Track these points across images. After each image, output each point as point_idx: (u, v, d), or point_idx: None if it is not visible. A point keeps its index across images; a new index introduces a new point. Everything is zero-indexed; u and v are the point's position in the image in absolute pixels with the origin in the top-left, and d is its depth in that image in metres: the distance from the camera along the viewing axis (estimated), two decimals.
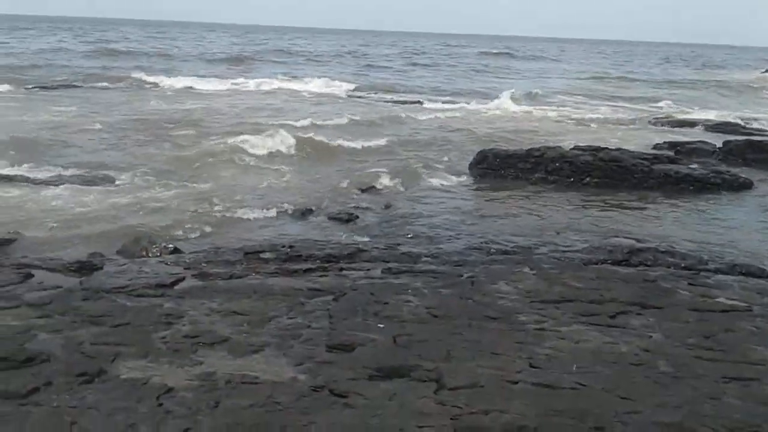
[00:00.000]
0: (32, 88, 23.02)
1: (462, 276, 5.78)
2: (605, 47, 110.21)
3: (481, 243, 7.43)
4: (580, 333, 4.47)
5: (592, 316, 4.81)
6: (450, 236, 7.88)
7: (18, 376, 3.52)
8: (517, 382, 3.68)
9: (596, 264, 6.56)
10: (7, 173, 9.93)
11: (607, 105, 25.33)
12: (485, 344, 4.17)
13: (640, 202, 10.20)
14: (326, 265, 6.15)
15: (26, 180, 9.71)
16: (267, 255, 6.49)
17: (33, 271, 5.48)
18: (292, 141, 13.09)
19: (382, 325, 4.47)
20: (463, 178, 11.48)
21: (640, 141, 15.67)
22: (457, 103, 23.80)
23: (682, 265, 6.66)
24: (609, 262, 6.72)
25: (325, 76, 30.97)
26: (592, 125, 19.04)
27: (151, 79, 26.79)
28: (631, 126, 19.41)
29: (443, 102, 24.12)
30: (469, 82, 34.52)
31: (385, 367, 3.84)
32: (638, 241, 7.68)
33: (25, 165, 10.61)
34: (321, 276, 5.76)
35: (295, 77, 30.42)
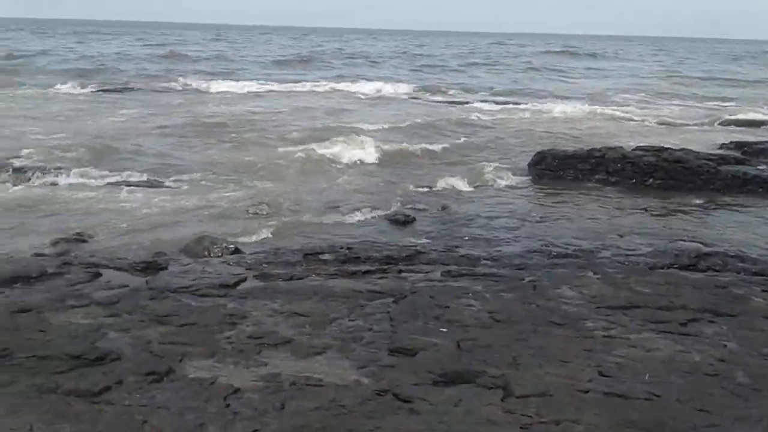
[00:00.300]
0: (97, 90, 23.83)
1: (523, 280, 5.68)
2: (657, 45, 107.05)
3: (542, 246, 7.29)
4: (650, 341, 4.32)
5: (662, 323, 4.64)
6: (509, 239, 7.77)
7: (90, 374, 3.60)
8: (587, 392, 3.57)
9: (662, 269, 6.35)
10: (77, 175, 10.26)
11: (672, 104, 24.57)
12: (552, 351, 4.07)
13: (706, 204, 9.85)
14: (385, 267, 6.13)
15: (94, 181, 10.03)
16: (326, 256, 6.51)
17: (101, 270, 5.62)
18: (351, 143, 13.13)
19: (444, 330, 4.42)
20: (521, 180, 11.30)
21: (706, 141, 15.14)
22: (517, 103, 23.48)
23: (753, 270, 6.38)
24: (676, 266, 6.49)
25: (383, 78, 31.07)
26: (656, 125, 18.53)
27: (210, 81, 27.35)
28: (696, 125, 18.78)
29: (502, 102, 23.83)
30: (529, 81, 34.03)
31: (449, 373, 3.78)
32: (705, 245, 7.42)
33: (94, 167, 10.93)
34: (380, 278, 5.74)
35: (353, 79, 30.53)
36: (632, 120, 19.33)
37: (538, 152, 12.20)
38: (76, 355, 3.79)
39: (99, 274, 5.51)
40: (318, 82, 29.43)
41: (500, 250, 7.06)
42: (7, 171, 10.22)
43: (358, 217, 8.62)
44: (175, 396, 3.43)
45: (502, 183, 10.98)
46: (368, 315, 4.73)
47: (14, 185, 9.71)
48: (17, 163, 10.71)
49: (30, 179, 10.00)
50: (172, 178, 10.41)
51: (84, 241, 7.28)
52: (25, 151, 11.75)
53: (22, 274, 5.29)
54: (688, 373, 3.87)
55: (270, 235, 7.68)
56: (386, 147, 13.04)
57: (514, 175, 11.45)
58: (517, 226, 8.41)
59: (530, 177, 11.51)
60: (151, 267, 5.82)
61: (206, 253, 6.83)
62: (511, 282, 5.57)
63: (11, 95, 21.66)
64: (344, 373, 3.79)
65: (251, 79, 29.02)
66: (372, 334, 4.35)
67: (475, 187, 10.58)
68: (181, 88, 25.62)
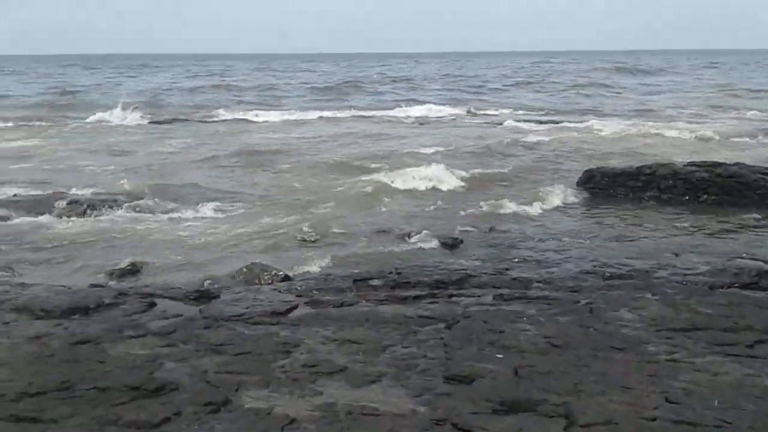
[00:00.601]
0: (147, 123, 24.57)
1: (579, 302, 5.54)
2: (707, 57, 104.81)
3: (595, 267, 7.13)
4: (717, 364, 4.15)
5: (727, 346, 4.46)
6: (560, 260, 7.62)
7: (149, 406, 3.63)
8: (654, 419, 3.43)
9: (723, 288, 6.13)
10: (130, 206, 10.53)
11: (724, 117, 24.00)
12: (614, 377, 3.94)
13: (764, 220, 9.52)
14: (435, 291, 6.06)
15: (147, 212, 10.27)
16: (376, 281, 6.48)
17: (156, 300, 5.70)
18: (398, 168, 13.18)
19: (500, 356, 4.33)
20: (570, 199, 11.14)
21: (761, 155, 14.69)
22: (564, 121, 23.29)
23: None
24: (736, 285, 6.26)
25: (428, 101, 31.20)
26: (708, 140, 18.09)
27: (256, 111, 27.89)
28: (751, 139, 18.27)
29: (548, 121, 23.71)
30: (576, 99, 33.72)
31: (507, 401, 3.69)
32: (766, 262, 7.15)
33: (146, 198, 11.20)
34: (431, 303, 5.68)
35: (398, 103, 30.72)
36: (683, 135, 18.91)
37: (587, 170, 12.02)
38: (135, 386, 3.83)
39: (154, 304, 5.59)
40: (363, 107, 29.74)
41: (552, 272, 6.93)
42: (63, 204, 10.53)
43: (406, 241, 8.60)
44: (232, 426, 3.43)
45: (551, 202, 10.84)
46: (421, 341, 4.67)
47: (69, 218, 9.99)
48: (72, 196, 11.04)
49: (85, 211, 10.27)
50: (221, 207, 10.58)
51: (138, 271, 7.44)
52: (79, 184, 12.14)
53: (81, 305, 5.40)
54: (759, 398, 3.70)
55: (319, 261, 7.71)
56: (432, 171, 13.01)
57: (562, 194, 11.29)
58: (568, 246, 8.26)
59: (579, 196, 11.34)
60: (204, 296, 5.88)
61: (257, 280, 6.89)
62: (565, 305, 5.44)
63: (65, 130, 22.50)
64: (400, 401, 3.74)
65: (295, 107, 29.51)
66: (426, 361, 4.29)
67: (523, 208, 10.45)
68: (228, 118, 26.18)
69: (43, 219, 9.98)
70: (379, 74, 58.56)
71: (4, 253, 8.31)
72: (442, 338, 4.71)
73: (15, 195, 11.39)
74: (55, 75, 60.32)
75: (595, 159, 14.56)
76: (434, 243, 8.42)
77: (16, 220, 9.92)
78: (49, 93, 38.25)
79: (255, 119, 26.00)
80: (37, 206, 10.52)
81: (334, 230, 9.07)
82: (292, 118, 26.18)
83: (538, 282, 6.42)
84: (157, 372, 4.06)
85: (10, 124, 23.75)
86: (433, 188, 12.03)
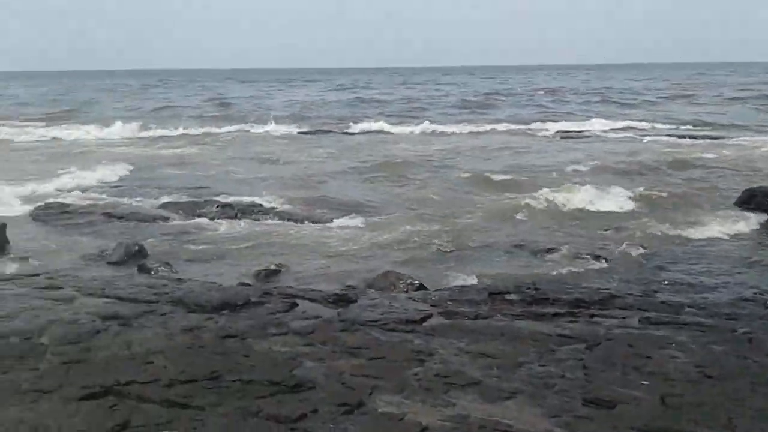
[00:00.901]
0: (295, 132, 25.83)
1: (736, 331, 5.10)
2: None
3: (755, 294, 6.56)
4: None
5: None
6: (715, 285, 7.08)
7: (288, 401, 3.76)
8: None
9: None
10: (276, 211, 11.08)
11: None
12: None
13: None
14: (575, 310, 5.82)
15: (294, 217, 10.77)
16: (512, 296, 6.33)
17: (297, 301, 5.91)
18: (539, 183, 12.89)
19: (646, 382, 4.07)
20: (727, 220, 10.31)
21: None
22: (722, 137, 21.76)
23: None
24: None
25: (572, 114, 30.35)
26: None
27: (398, 124, 28.39)
28: None
29: (702, 136, 22.21)
30: (734, 113, 31.33)
31: (653, 430, 3.46)
32: None
33: (294, 203, 11.76)
34: (570, 322, 5.45)
35: (541, 117, 30.08)
36: None
37: (747, 190, 11.13)
38: (276, 381, 3.99)
39: (296, 304, 5.81)
40: (504, 120, 29.43)
41: (706, 298, 6.45)
42: (216, 208, 11.27)
43: (545, 257, 8.37)
44: (366, 429, 3.47)
45: (705, 223, 10.11)
46: (560, 361, 4.49)
47: (221, 221, 10.67)
48: (224, 200, 11.77)
49: (236, 215, 10.93)
50: (361, 216, 10.84)
51: (282, 273, 7.79)
52: (231, 190, 12.95)
53: (230, 302, 5.72)
54: None
55: (454, 273, 7.67)
56: (576, 187, 12.58)
57: (718, 214, 10.50)
58: (724, 271, 7.66)
59: (738, 217, 10.48)
60: (342, 299, 6.03)
61: (392, 287, 6.98)
62: (721, 333, 5.03)
63: (220, 139, 24.11)
64: (536, 420, 3.62)
65: (436, 120, 29.69)
66: (565, 382, 4.12)
67: (673, 227, 9.83)
68: (370, 130, 26.85)
69: (199, 221, 10.74)
70: (522, 86, 57.68)
71: (164, 250, 9.00)
72: (581, 359, 4.51)
73: (173, 199, 12.35)
74: (214, 87, 64.86)
75: (756, 177, 13.42)
76: (575, 260, 8.12)
77: (175, 222, 10.75)
78: (206, 104, 41.20)
79: (396, 131, 26.49)
80: (193, 209, 11.35)
81: (472, 243, 9.00)
82: (431, 130, 26.39)
83: (689, 307, 5.99)
84: (297, 370, 4.20)
85: (175, 132, 25.87)
86: (577, 205, 11.61)
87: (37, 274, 6.92)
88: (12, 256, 8.69)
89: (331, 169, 16.30)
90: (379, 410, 3.70)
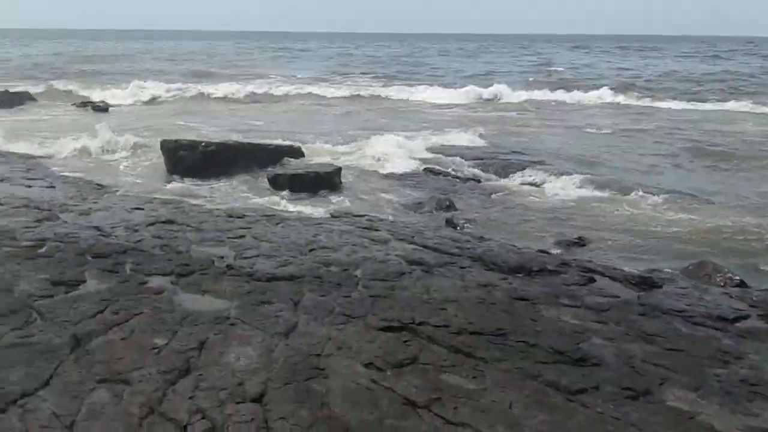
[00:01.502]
0: (620, 104, 24.61)
1: None
2: None
3: None
4: None
5: None
6: None
7: (570, 372, 3.69)
8: None
9: None
10: (588, 180, 10.82)
11: None
12: None
13: None
14: None
15: (602, 188, 10.39)
16: None
17: (595, 277, 5.71)
18: None
19: None
20: None
21: None
22: None
23: None
24: None
25: None
26: None
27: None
28: None
29: None
30: None
31: None
32: None
33: (603, 175, 11.30)
34: None
35: None
36: None
37: None
38: (560, 351, 3.94)
39: (593, 280, 5.61)
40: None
41: None
42: (520, 174, 11.42)
43: None
44: (650, 419, 3.25)
45: None
46: None
47: (527, 186, 10.75)
48: (533, 167, 11.81)
49: (543, 182, 10.97)
50: (674, 198, 9.95)
51: (584, 245, 7.58)
52: (542, 157, 12.91)
53: (526, 266, 5.76)
54: None
55: None
56: None
57: None
58: None
59: None
60: (645, 282, 5.65)
61: (707, 279, 6.33)
62: None
63: (547, 109, 24.05)
64: None
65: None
66: None
67: None
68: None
69: (505, 182, 11.06)
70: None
71: (472, 208, 9.40)
72: None
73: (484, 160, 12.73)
74: (543, 53, 64.62)
75: None
76: None
77: (487, 183, 11.20)
78: (532, 72, 41.26)
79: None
80: (502, 171, 11.70)
81: None
82: None
83: None
84: (584, 344, 4.09)
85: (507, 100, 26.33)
86: None
87: (361, 215, 7.78)
88: (342, 197, 9.92)
89: (649, 146, 15.27)
90: (668, 403, 3.43)
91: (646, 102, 25.50)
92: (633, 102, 25.59)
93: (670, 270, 6.56)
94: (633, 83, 31.76)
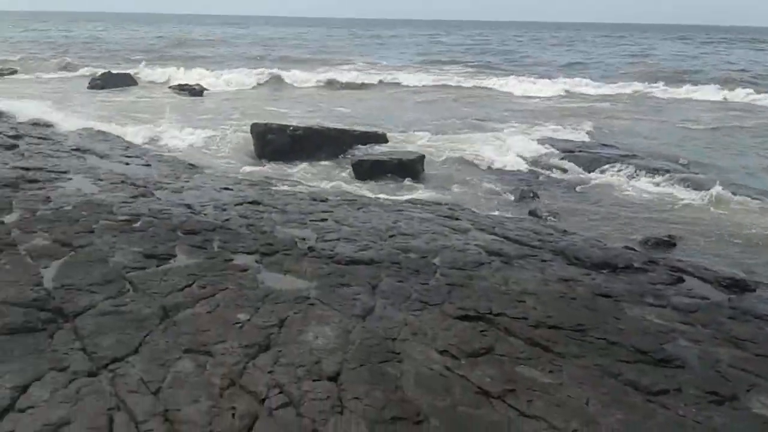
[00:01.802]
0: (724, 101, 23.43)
1: None
2: None
3: None
4: None
5: None
6: None
7: (651, 373, 3.58)
8: None
9: None
10: (680, 177, 10.37)
11: None
12: None
13: None
14: None
15: (694, 186, 9.94)
16: None
17: (684, 277, 5.49)
18: None
19: None
20: None
21: None
22: None
23: None
24: None
25: None
26: None
27: None
28: None
29: None
30: None
31: None
32: None
33: (700, 172, 10.82)
34: None
35: None
36: None
37: None
38: (642, 350, 3.82)
39: (682, 280, 5.40)
40: None
41: None
42: (608, 167, 11.03)
43: None
44: (735, 425, 3.12)
45: None
46: None
47: (619, 179, 10.40)
48: (624, 161, 11.41)
49: (632, 176, 10.61)
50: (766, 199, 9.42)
51: (673, 244, 7.29)
52: (633, 152, 12.45)
53: (610, 263, 5.59)
54: None
55: None
56: None
57: None
58: None
59: None
60: (737, 285, 5.39)
61: None
62: None
63: (648, 102, 23.15)
64: None
65: None
66: None
67: None
68: None
69: (593, 175, 10.74)
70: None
71: (556, 200, 9.21)
72: None
73: (573, 153, 12.39)
74: (640, 43, 62.12)
75: None
76: None
77: (573, 175, 10.91)
78: (628, 63, 39.71)
79: None
80: (590, 164, 11.34)
81: None
82: None
83: None
84: (668, 345, 3.95)
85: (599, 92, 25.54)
86: None
87: (442, 204, 7.77)
88: (423, 185, 9.93)
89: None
90: (755, 410, 3.28)
91: (749, 98, 24.12)
92: (733, 98, 24.28)
93: (764, 274, 6.23)
94: (735, 77, 30.07)
